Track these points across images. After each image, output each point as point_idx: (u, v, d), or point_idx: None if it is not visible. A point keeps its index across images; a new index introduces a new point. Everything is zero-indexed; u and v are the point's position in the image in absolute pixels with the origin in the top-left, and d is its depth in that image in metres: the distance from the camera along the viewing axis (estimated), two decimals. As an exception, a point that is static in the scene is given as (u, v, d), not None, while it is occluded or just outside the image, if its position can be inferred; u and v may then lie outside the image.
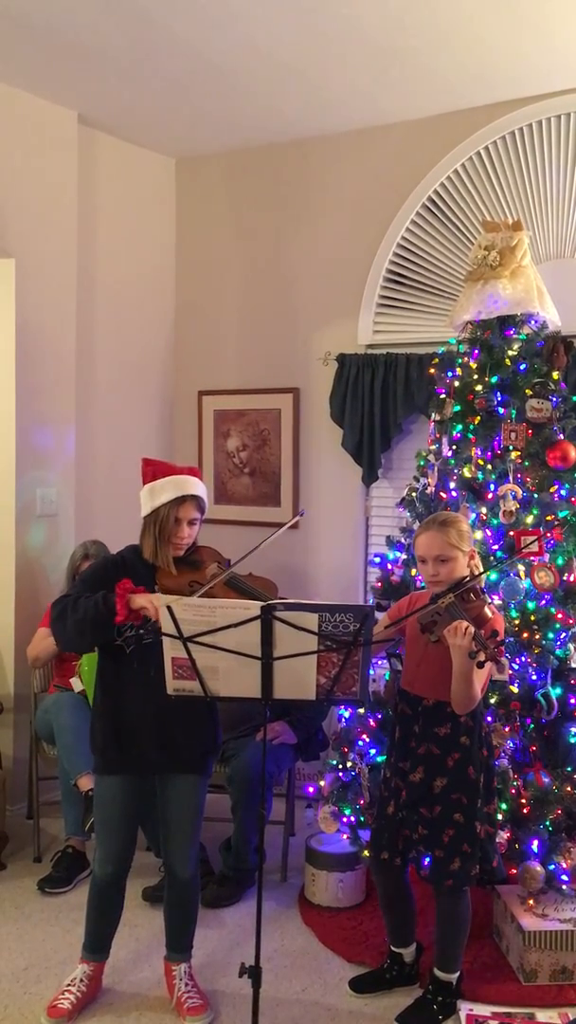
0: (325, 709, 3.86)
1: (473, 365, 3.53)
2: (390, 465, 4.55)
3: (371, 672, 2.59)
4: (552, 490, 3.39)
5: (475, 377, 3.51)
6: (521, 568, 3.28)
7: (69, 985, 2.84)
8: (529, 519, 3.31)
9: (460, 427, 3.53)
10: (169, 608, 2.32)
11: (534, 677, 3.21)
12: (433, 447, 3.64)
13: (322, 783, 3.51)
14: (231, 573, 2.71)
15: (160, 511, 2.74)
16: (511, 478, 3.38)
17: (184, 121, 4.52)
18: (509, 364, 3.48)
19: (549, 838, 3.09)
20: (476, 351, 3.55)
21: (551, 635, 3.23)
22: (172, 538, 2.74)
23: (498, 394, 3.46)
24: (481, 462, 3.45)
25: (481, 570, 2.83)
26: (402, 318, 4.48)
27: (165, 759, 2.77)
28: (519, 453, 3.40)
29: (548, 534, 3.27)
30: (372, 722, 3.44)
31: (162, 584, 2.70)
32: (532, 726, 3.24)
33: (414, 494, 3.64)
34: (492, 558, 3.30)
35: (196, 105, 4.30)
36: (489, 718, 3.08)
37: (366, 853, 3.20)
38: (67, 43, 3.66)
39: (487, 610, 2.62)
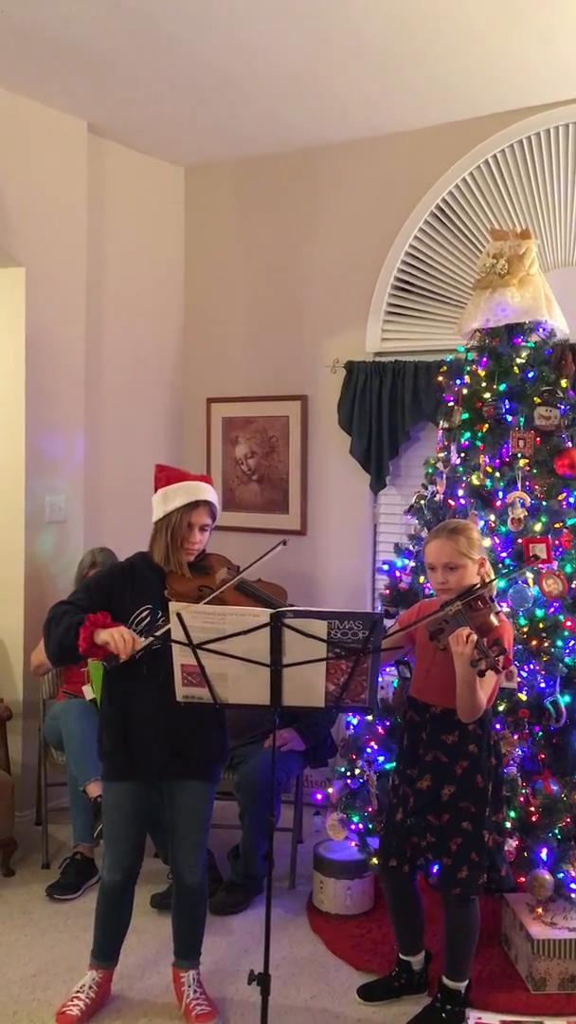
0: (333, 716, 3.86)
1: (481, 373, 3.54)
2: (398, 472, 4.55)
3: (379, 679, 2.59)
4: (560, 497, 3.39)
5: (483, 385, 3.52)
6: (530, 575, 3.29)
7: (78, 991, 2.85)
8: (537, 526, 3.32)
9: (468, 435, 3.54)
10: (179, 615, 2.33)
11: (543, 685, 3.21)
12: (441, 454, 3.65)
13: (330, 790, 3.51)
14: (241, 578, 2.71)
15: (172, 516, 2.75)
16: (519, 485, 3.38)
17: (192, 130, 4.54)
18: (517, 372, 3.48)
19: (558, 846, 3.08)
20: (484, 359, 3.55)
21: (560, 643, 3.23)
22: (184, 543, 2.75)
23: (506, 402, 3.47)
24: (489, 469, 3.46)
25: (492, 578, 2.83)
26: (410, 326, 4.49)
27: (173, 765, 2.77)
28: (527, 461, 3.41)
29: (556, 542, 3.27)
30: (380, 729, 3.44)
31: (173, 588, 2.71)
32: (540, 734, 3.23)
33: (422, 501, 3.64)
34: (500, 565, 3.30)
35: (204, 114, 4.32)
36: (498, 726, 3.07)
37: (374, 860, 3.19)
38: (76, 53, 3.68)
39: (493, 618, 2.61)
